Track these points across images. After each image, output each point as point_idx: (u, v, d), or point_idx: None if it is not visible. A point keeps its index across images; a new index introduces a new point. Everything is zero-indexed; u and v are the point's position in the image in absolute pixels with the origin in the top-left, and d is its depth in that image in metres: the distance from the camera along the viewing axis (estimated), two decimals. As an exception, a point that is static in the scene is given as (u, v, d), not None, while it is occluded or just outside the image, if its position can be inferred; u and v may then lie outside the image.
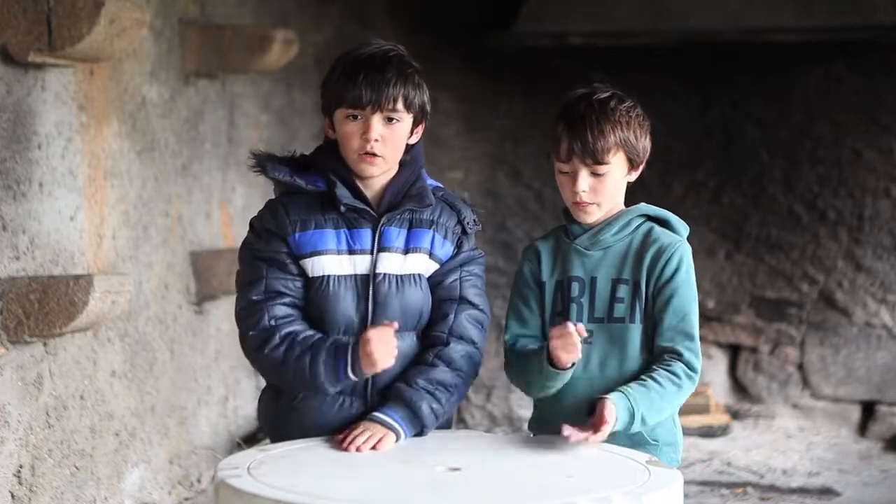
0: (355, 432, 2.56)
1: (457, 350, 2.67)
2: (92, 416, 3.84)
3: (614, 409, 2.53)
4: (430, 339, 2.69)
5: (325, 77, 2.68)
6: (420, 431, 2.63)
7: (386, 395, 2.65)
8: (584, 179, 2.67)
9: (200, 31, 4.51)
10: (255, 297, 2.63)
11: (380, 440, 2.55)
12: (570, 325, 2.55)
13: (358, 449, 2.53)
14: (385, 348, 2.54)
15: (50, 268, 3.59)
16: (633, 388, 2.59)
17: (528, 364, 2.69)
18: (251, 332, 2.63)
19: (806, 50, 5.63)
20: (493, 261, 5.79)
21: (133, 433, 4.10)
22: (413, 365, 2.67)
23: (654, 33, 5.47)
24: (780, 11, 5.40)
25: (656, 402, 2.60)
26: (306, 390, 2.63)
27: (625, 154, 2.69)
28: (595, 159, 2.65)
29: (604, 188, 2.68)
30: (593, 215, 2.71)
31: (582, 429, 2.51)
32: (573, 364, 2.61)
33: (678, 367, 2.64)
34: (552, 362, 2.60)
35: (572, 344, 2.56)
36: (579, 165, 2.67)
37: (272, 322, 2.61)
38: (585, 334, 2.58)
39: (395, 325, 2.56)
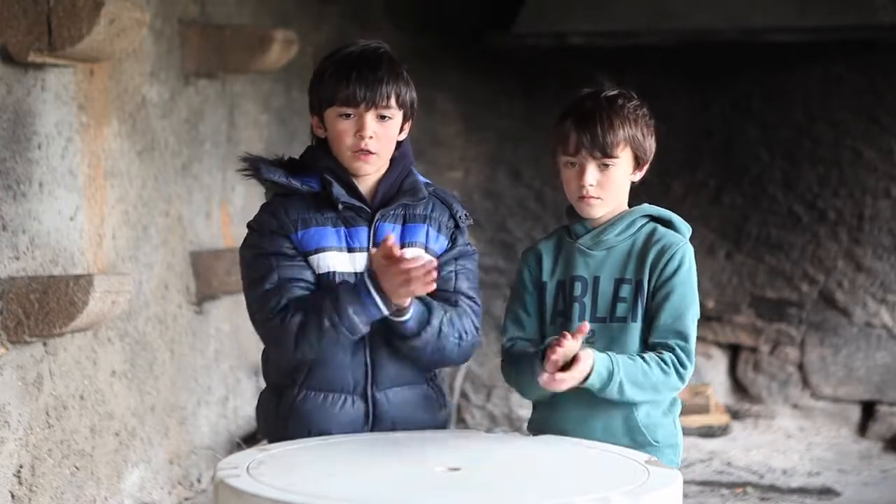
0: None
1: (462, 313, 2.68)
2: (92, 416, 3.84)
3: (592, 358, 2.55)
4: None
5: (314, 76, 2.68)
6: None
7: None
8: (592, 173, 2.68)
9: (200, 31, 4.51)
10: (267, 287, 2.59)
11: None
12: (567, 342, 2.53)
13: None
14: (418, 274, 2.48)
15: (50, 268, 3.59)
16: (617, 356, 2.61)
17: (522, 367, 2.69)
18: (269, 318, 2.58)
19: (806, 50, 5.63)
20: (493, 261, 5.79)
21: (133, 433, 4.10)
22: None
23: (654, 33, 5.47)
24: (780, 11, 5.40)
25: (638, 377, 2.60)
26: (337, 341, 2.56)
27: (632, 151, 2.70)
28: (604, 152, 2.66)
29: (610, 183, 2.69)
30: (598, 210, 2.71)
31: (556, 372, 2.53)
32: None
33: (668, 356, 2.64)
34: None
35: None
36: (587, 158, 2.67)
37: (286, 301, 2.57)
38: (587, 332, 2.58)
39: (391, 238, 2.50)
